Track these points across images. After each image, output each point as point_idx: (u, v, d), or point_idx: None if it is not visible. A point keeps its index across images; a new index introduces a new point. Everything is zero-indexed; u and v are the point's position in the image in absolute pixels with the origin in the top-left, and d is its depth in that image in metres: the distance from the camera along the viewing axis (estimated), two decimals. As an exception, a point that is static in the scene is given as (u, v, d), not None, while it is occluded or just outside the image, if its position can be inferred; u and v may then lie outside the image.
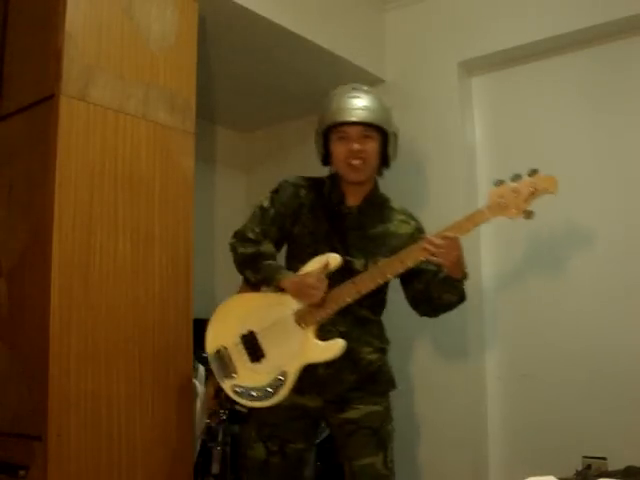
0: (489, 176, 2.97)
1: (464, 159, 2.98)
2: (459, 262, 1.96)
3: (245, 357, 2.03)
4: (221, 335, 2.08)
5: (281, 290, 2.04)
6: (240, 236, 2.14)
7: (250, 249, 2.10)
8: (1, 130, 2.17)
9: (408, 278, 2.09)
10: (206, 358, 2.13)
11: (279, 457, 2.05)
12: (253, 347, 2.03)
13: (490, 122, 3.03)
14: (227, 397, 2.13)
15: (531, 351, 2.77)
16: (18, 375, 1.98)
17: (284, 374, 1.97)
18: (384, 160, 2.15)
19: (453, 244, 1.91)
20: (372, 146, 2.08)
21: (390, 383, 2.13)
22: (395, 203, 2.21)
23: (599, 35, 2.70)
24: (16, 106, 2.12)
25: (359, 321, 2.05)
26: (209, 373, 2.33)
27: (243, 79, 3.24)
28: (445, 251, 1.90)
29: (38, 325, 1.91)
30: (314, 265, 2.00)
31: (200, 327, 2.15)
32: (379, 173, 2.18)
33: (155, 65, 2.23)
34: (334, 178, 2.16)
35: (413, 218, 2.19)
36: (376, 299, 2.08)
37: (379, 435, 2.02)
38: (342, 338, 1.96)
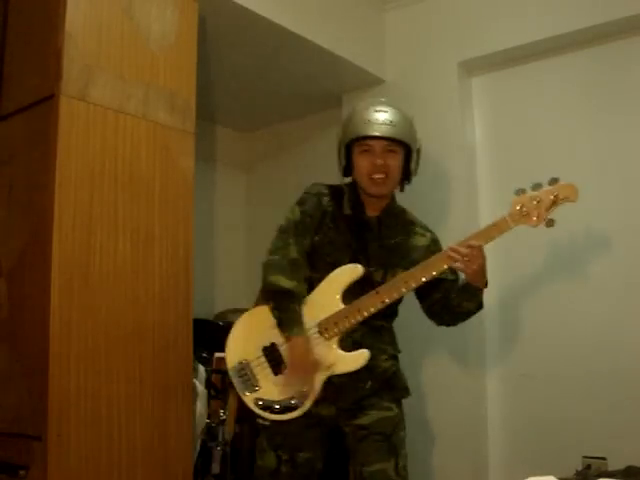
0: (489, 176, 2.99)
1: (464, 159, 2.98)
2: (482, 270, 1.95)
3: (268, 370, 2.01)
4: (241, 349, 2.06)
5: None
6: (280, 255, 2.03)
7: (284, 283, 1.98)
8: (1, 130, 2.17)
9: (426, 288, 2.05)
10: (206, 358, 2.12)
11: (289, 466, 2.03)
12: (275, 359, 2.01)
13: (490, 122, 3.03)
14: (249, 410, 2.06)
15: (531, 351, 2.77)
16: (18, 375, 1.97)
17: (308, 386, 1.95)
18: (406, 175, 2.15)
19: (478, 252, 1.91)
20: (395, 161, 2.08)
21: (405, 390, 2.11)
22: (410, 214, 2.21)
23: (599, 35, 2.70)
24: (16, 106, 2.12)
25: (373, 329, 2.05)
26: (230, 387, 2.28)
27: (243, 79, 3.24)
28: (469, 259, 1.90)
29: (38, 325, 1.90)
30: (342, 278, 1.99)
31: (200, 327, 2.14)
32: (401, 188, 2.18)
33: (155, 65, 2.22)
34: (354, 188, 2.15)
35: (428, 230, 2.19)
36: (392, 308, 2.07)
37: (391, 441, 2.00)
38: (357, 346, 1.96)
